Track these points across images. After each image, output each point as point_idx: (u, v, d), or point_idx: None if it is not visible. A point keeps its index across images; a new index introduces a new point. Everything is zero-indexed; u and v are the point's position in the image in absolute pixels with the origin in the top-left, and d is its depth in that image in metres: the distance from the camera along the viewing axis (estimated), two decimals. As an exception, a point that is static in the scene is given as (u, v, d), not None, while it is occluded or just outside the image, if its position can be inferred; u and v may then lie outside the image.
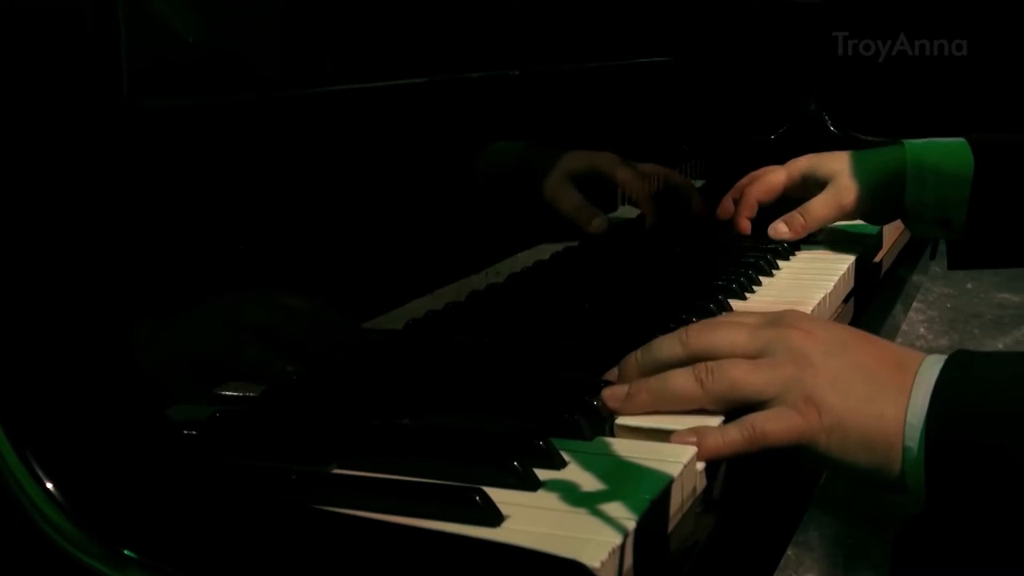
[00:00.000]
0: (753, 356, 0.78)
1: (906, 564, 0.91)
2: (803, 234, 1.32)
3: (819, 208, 1.31)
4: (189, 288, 0.79)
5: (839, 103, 1.88)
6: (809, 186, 1.35)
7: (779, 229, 1.32)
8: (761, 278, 1.20)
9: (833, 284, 1.17)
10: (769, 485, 0.79)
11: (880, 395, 0.75)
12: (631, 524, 0.61)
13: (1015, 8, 1.79)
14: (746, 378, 0.77)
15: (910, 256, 1.50)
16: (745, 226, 1.37)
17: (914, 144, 1.29)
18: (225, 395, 0.81)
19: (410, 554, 0.59)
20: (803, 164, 1.36)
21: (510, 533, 0.60)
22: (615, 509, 0.63)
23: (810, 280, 1.20)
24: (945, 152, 1.27)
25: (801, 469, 0.84)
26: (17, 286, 0.61)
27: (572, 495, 0.65)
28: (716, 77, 1.71)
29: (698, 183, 1.58)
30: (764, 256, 1.25)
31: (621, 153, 1.35)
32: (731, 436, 0.74)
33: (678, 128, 1.60)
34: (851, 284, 1.27)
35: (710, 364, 0.78)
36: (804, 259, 1.31)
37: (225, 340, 0.81)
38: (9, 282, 0.60)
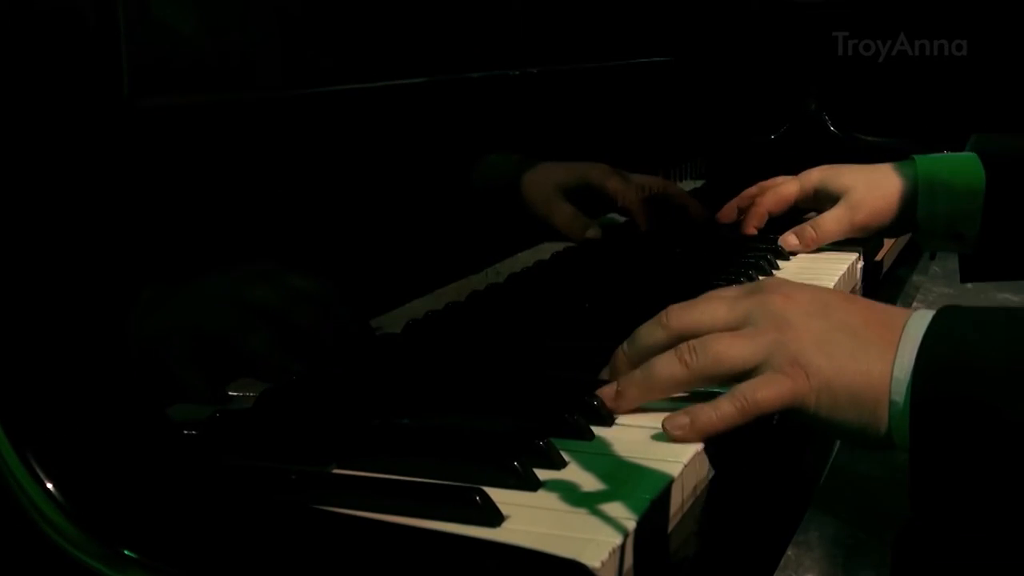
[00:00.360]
0: (735, 327, 0.78)
1: (907, 565, 0.91)
2: (813, 247, 1.32)
3: (831, 223, 1.31)
4: (189, 287, 0.79)
5: (839, 103, 1.88)
6: (821, 199, 1.35)
7: (790, 241, 1.32)
8: (761, 278, 1.20)
9: (833, 284, 1.17)
10: (769, 485, 0.79)
11: (866, 352, 0.74)
12: (631, 524, 0.61)
13: (1015, 8, 1.79)
14: (730, 350, 0.76)
15: (910, 256, 1.50)
16: (752, 235, 1.38)
17: (925, 159, 1.30)
18: (225, 395, 0.81)
19: (410, 554, 0.59)
20: (816, 177, 1.35)
21: (510, 533, 0.60)
22: (615, 509, 0.63)
23: (810, 280, 1.20)
24: (956, 166, 1.27)
25: (801, 470, 0.84)
26: (17, 285, 0.61)
27: (572, 495, 0.65)
28: (716, 77, 1.71)
29: (698, 183, 1.57)
30: (764, 256, 1.25)
31: (620, 153, 1.35)
32: (724, 409, 0.74)
33: (678, 128, 1.59)
34: (855, 280, 1.27)
35: (692, 343, 0.77)
36: (804, 259, 1.31)
37: (232, 322, 0.81)
38: (9, 281, 0.60)
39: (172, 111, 0.76)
